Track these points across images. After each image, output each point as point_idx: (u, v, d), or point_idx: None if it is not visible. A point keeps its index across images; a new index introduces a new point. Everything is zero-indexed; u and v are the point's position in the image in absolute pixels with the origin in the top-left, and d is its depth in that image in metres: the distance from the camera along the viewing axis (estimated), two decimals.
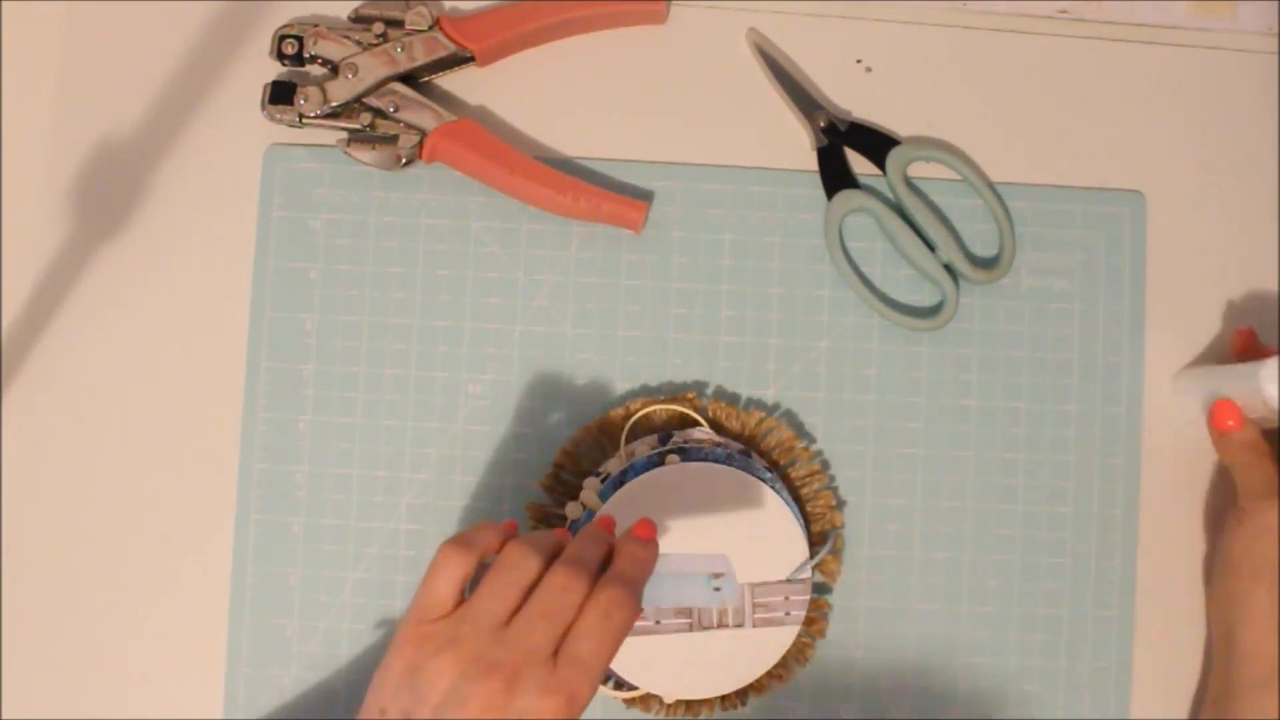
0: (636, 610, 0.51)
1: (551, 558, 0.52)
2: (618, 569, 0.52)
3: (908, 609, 0.67)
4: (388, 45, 0.67)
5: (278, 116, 0.67)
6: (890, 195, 0.69)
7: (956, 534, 0.67)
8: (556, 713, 0.48)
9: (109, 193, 0.68)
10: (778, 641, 0.64)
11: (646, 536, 0.54)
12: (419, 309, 0.68)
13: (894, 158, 0.68)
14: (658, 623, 0.63)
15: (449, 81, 0.69)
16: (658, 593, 0.63)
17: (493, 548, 0.53)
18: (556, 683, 0.48)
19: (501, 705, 0.48)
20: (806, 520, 0.65)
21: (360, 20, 0.68)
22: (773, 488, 0.64)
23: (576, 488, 0.65)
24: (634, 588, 0.51)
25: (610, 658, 0.50)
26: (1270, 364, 0.61)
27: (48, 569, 0.67)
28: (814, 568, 0.64)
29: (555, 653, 0.49)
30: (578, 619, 0.50)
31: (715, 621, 0.64)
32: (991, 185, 0.69)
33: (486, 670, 0.48)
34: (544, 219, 0.68)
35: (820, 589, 0.66)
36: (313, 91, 0.67)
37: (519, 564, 0.51)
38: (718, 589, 0.63)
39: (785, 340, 0.68)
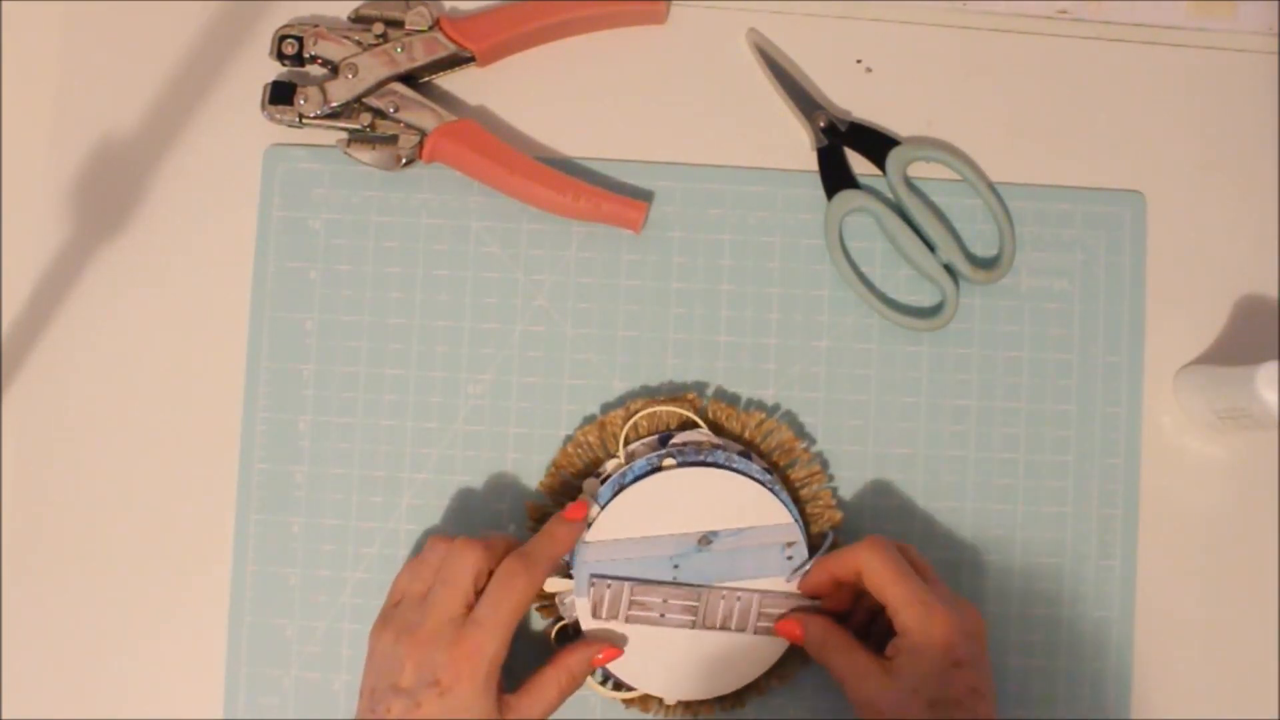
0: (535, 580, 0.60)
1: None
2: (527, 544, 0.61)
3: None
4: (388, 45, 0.67)
5: (278, 116, 0.67)
6: (890, 195, 0.69)
7: (956, 534, 0.67)
8: (464, 664, 0.57)
9: (109, 193, 0.68)
10: (778, 643, 0.64)
11: (572, 517, 0.62)
12: (419, 309, 0.68)
13: (894, 158, 0.68)
14: (662, 616, 0.63)
15: (449, 81, 0.69)
16: (736, 567, 0.63)
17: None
18: (461, 638, 0.58)
19: (424, 662, 0.57)
20: (806, 521, 0.65)
21: (360, 20, 0.68)
22: (771, 489, 0.64)
23: (576, 488, 0.66)
24: (533, 560, 0.60)
25: (508, 619, 0.58)
26: (1268, 367, 0.61)
27: (48, 569, 0.67)
28: None
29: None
30: (484, 588, 0.59)
31: (718, 624, 0.64)
32: (991, 185, 0.69)
33: (410, 634, 0.58)
34: (544, 219, 0.68)
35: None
36: (313, 92, 0.67)
37: (430, 548, 0.62)
38: (790, 557, 0.64)
39: (785, 340, 0.68)
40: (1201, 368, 0.67)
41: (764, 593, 0.64)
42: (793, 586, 0.64)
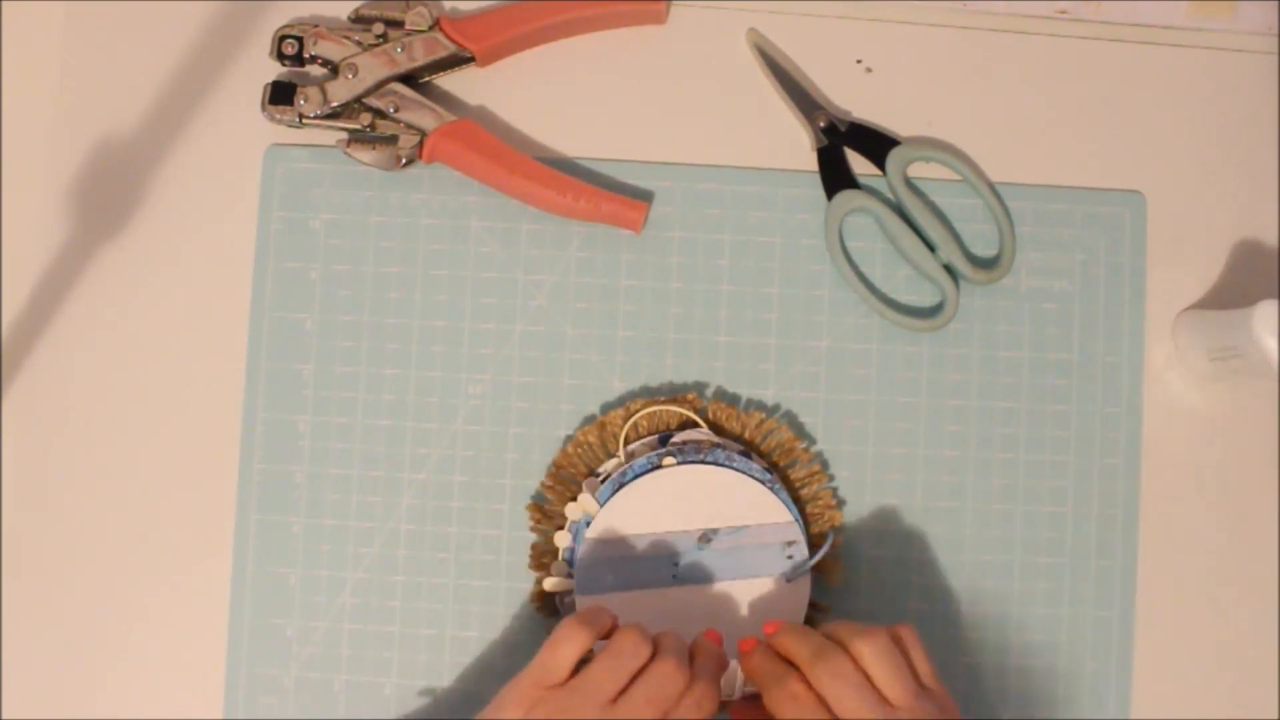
0: (718, 707, 0.57)
1: (653, 646, 0.57)
2: (705, 670, 0.57)
3: (908, 609, 0.67)
4: (388, 45, 0.67)
5: (278, 116, 0.67)
6: (890, 195, 0.69)
7: (956, 534, 0.67)
8: None
9: (109, 193, 0.68)
10: None
11: (717, 642, 0.59)
12: (418, 309, 0.68)
13: (894, 158, 0.68)
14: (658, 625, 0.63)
15: (449, 81, 0.70)
16: (736, 565, 0.63)
17: (607, 629, 0.58)
18: None
19: None
20: (806, 521, 0.65)
21: (360, 20, 0.68)
22: (771, 489, 0.64)
23: (576, 488, 0.66)
24: (716, 686, 0.57)
25: None
26: (1266, 306, 0.61)
27: (48, 569, 0.67)
28: (813, 568, 0.64)
29: None
30: (675, 708, 0.55)
31: (715, 623, 0.63)
32: (991, 185, 0.69)
33: None
34: (544, 219, 0.68)
35: (820, 590, 0.66)
36: (313, 92, 0.67)
37: (632, 650, 0.56)
38: (790, 556, 0.64)
39: (785, 340, 0.68)
40: (1200, 312, 0.67)
41: (753, 586, 0.64)
42: (789, 585, 0.64)
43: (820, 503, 0.66)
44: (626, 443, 0.66)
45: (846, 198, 0.68)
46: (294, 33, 0.67)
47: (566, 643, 0.56)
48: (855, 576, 0.67)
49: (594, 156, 0.69)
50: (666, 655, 0.56)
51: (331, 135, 0.68)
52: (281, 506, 0.67)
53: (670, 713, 0.55)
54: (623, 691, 0.55)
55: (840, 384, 0.68)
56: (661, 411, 0.66)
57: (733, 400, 0.68)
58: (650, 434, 0.66)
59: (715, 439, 0.65)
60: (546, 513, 0.66)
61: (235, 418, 0.67)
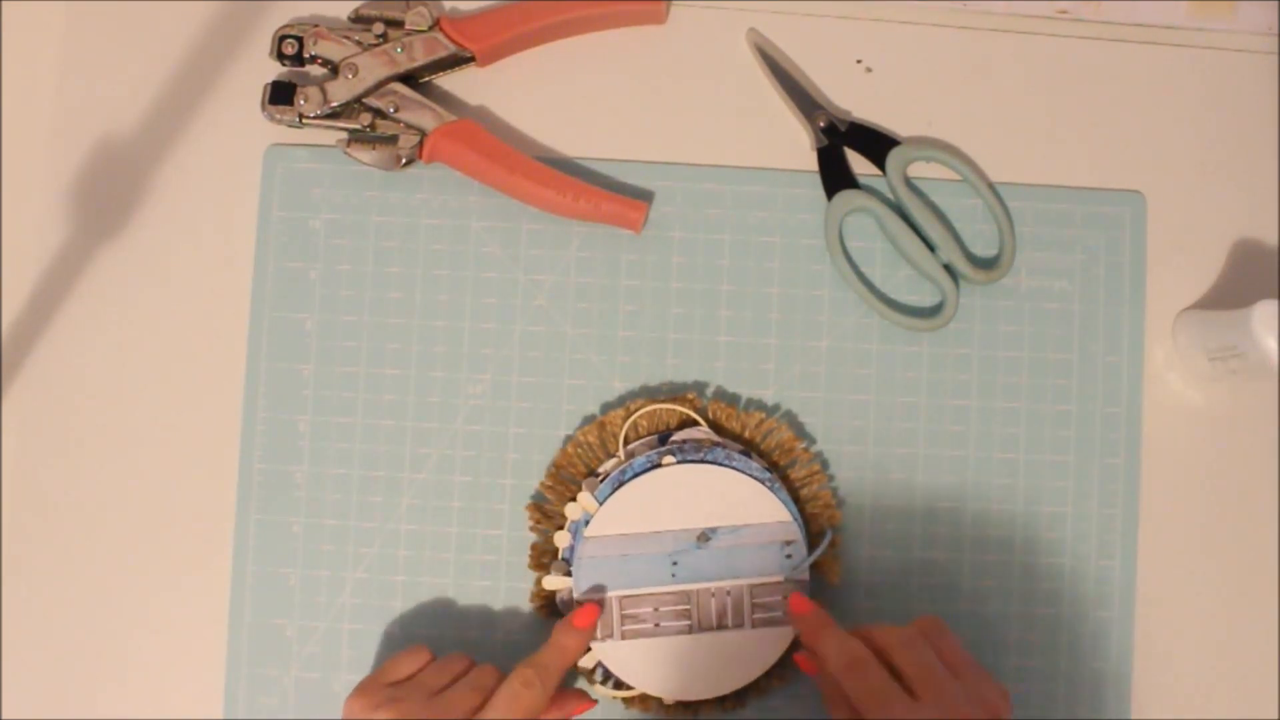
0: (546, 694, 0.60)
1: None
2: (540, 655, 0.61)
3: (907, 609, 0.67)
4: (388, 45, 0.67)
5: (278, 116, 0.67)
6: (890, 195, 0.69)
7: (956, 534, 0.67)
8: None
9: (109, 193, 0.68)
10: (777, 642, 0.64)
11: (581, 625, 0.62)
12: (418, 309, 0.68)
13: (894, 158, 0.68)
14: (657, 625, 0.63)
15: (449, 81, 0.70)
16: (735, 565, 0.63)
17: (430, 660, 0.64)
18: None
19: None
20: (806, 520, 0.65)
21: (360, 20, 0.68)
22: (771, 489, 0.64)
23: (576, 488, 0.66)
24: (547, 673, 0.61)
25: None
26: (1266, 306, 0.61)
27: (48, 569, 0.67)
28: (812, 567, 0.64)
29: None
30: (495, 691, 0.60)
31: (715, 622, 0.64)
32: (991, 185, 0.69)
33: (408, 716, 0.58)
34: (544, 219, 0.68)
35: (819, 589, 0.66)
36: (313, 92, 0.67)
37: (455, 661, 0.63)
38: (789, 556, 0.63)
39: (785, 340, 0.68)
40: (1200, 312, 0.67)
41: (753, 584, 0.64)
42: (788, 584, 0.64)
43: (820, 503, 0.66)
44: (626, 442, 0.66)
45: (846, 198, 0.68)
46: (294, 33, 0.67)
47: (407, 657, 0.63)
48: (855, 576, 0.67)
49: (594, 156, 0.69)
50: (484, 664, 0.62)
51: (331, 135, 0.68)
52: (281, 506, 0.67)
53: (491, 696, 0.60)
54: (445, 687, 0.61)
55: (840, 384, 0.68)
56: (661, 411, 0.66)
57: (733, 400, 0.68)
58: (650, 433, 0.66)
59: (715, 438, 0.65)
60: (546, 513, 0.66)
61: (235, 418, 0.67)
